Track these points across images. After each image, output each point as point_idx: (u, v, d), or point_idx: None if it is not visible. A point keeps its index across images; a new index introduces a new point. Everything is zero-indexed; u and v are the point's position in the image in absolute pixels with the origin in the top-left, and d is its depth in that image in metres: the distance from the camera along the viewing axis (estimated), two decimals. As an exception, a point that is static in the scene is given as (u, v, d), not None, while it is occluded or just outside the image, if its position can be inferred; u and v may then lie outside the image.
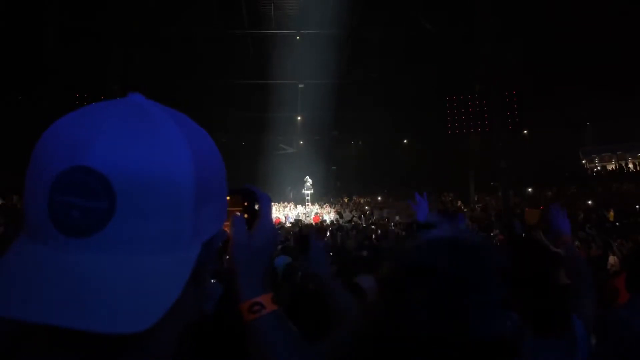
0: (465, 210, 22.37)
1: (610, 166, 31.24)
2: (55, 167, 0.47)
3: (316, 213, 23.39)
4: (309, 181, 25.25)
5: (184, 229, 0.50)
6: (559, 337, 1.59)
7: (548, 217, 2.17)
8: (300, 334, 0.92)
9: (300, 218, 22.01)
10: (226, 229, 0.85)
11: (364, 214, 22.44)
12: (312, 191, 25.33)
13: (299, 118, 27.40)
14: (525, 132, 26.92)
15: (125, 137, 0.48)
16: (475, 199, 23.84)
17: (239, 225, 0.88)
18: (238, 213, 0.88)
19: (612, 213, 18.02)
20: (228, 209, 0.64)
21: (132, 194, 0.46)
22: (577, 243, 10.35)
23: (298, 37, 21.78)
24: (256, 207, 0.90)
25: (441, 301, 0.73)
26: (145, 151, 0.48)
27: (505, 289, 0.76)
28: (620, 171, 28.15)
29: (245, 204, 0.89)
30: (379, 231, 15.48)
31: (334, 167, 29.79)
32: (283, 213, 23.94)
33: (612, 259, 8.92)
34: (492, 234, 14.08)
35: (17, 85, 22.01)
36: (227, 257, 0.89)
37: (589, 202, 21.46)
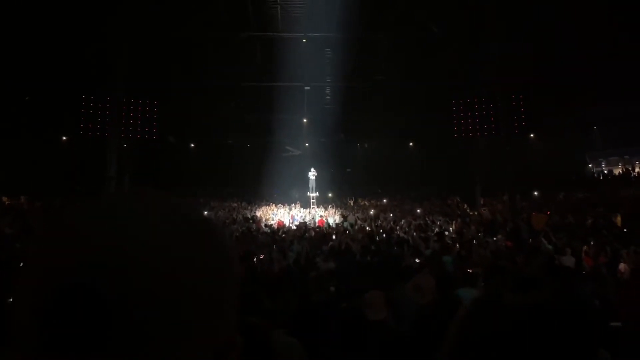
0: (471, 214, 22.25)
1: (617, 170, 30.98)
2: (53, 279, 0.43)
3: (321, 216, 23.31)
4: (313, 174, 25.02)
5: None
6: None
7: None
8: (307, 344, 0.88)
9: (305, 220, 21.95)
10: None
11: (370, 217, 22.34)
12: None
13: (305, 120, 27.39)
14: (531, 135, 26.77)
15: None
16: (481, 202, 23.71)
17: None
18: None
19: (619, 218, 17.75)
20: None
21: (137, 318, 0.44)
22: (585, 248, 10.22)
23: (304, 40, 21.79)
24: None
25: None
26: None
27: None
28: (628, 175, 27.86)
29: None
30: (384, 235, 15.39)
31: (336, 169, 29.60)
32: (289, 215, 23.90)
33: (622, 267, 8.72)
34: (497, 238, 13.99)
35: (24, 86, 22.18)
36: None
37: (596, 207, 21.27)
